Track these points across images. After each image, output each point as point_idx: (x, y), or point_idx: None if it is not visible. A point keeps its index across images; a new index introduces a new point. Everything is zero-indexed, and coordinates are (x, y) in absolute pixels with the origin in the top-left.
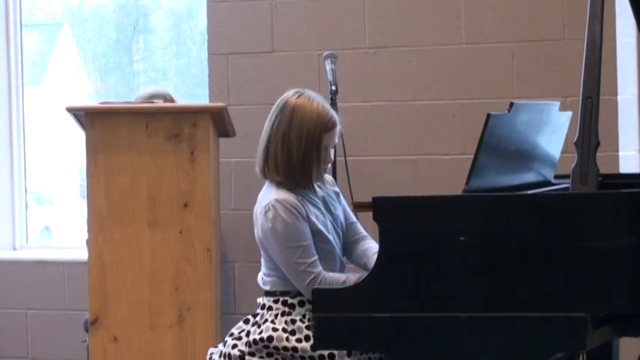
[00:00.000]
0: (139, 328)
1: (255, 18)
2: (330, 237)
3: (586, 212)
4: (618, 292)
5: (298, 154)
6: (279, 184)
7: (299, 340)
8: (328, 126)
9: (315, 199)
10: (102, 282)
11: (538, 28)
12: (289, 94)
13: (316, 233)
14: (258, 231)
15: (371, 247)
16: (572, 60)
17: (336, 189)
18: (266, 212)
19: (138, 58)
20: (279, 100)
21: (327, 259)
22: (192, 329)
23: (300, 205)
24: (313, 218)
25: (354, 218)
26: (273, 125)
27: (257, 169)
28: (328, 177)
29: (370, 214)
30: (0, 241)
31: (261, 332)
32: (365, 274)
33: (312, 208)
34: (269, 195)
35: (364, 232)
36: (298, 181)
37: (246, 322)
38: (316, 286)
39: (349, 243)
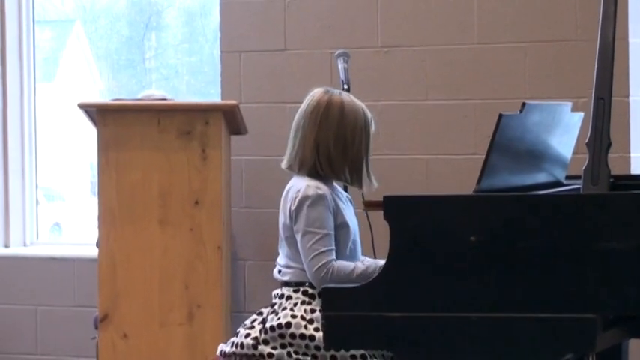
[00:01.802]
0: (148, 326)
1: (267, 16)
2: (355, 230)
3: (597, 213)
4: (628, 294)
5: (353, 150)
6: (311, 176)
7: (317, 330)
8: (372, 123)
9: (340, 194)
10: (112, 279)
11: (550, 28)
12: (322, 94)
13: (344, 227)
14: (285, 216)
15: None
16: (585, 61)
17: (349, 195)
18: (297, 197)
19: (150, 56)
20: (315, 102)
21: (353, 257)
22: (201, 327)
23: (329, 196)
24: (342, 211)
25: None
26: (321, 125)
27: (292, 165)
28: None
29: (381, 213)
30: (11, 237)
31: (279, 319)
32: (372, 261)
33: (341, 204)
34: (301, 182)
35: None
36: (350, 176)
37: (260, 314)
38: (323, 277)
39: None
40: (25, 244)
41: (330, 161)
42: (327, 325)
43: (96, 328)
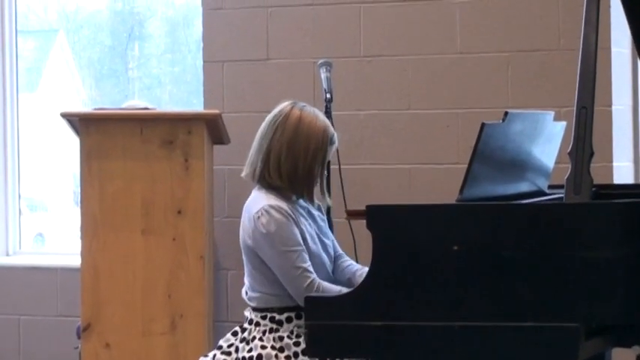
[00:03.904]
0: (131, 335)
1: (250, 26)
2: (314, 247)
3: (579, 222)
4: (611, 303)
5: (305, 165)
6: (269, 191)
7: (288, 358)
8: (332, 140)
9: (300, 209)
10: (95, 288)
11: (533, 38)
12: (287, 105)
13: (304, 241)
14: (246, 239)
15: (352, 264)
16: (567, 70)
17: (308, 205)
18: (259, 217)
19: (133, 65)
20: (278, 111)
21: (316, 271)
22: (184, 336)
23: (291, 211)
24: (302, 226)
25: (332, 236)
26: (275, 133)
27: (249, 173)
28: None
29: (364, 222)
30: None
31: (250, 350)
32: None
33: (300, 218)
34: (259, 202)
35: (340, 250)
36: (300, 190)
37: (235, 334)
38: (312, 293)
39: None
40: (7, 254)
41: (279, 171)
42: (310, 335)
43: (79, 337)
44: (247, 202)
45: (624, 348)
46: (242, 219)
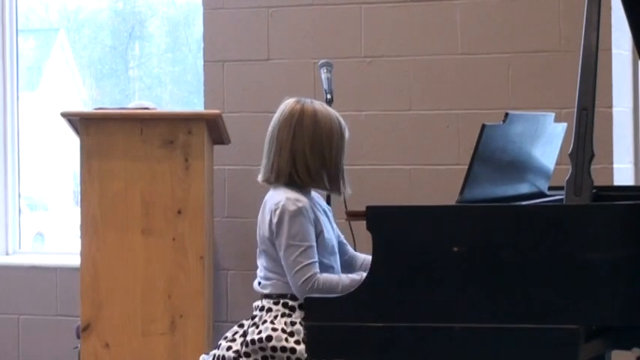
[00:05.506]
0: (130, 335)
1: (251, 26)
2: (334, 250)
3: (579, 224)
4: (611, 305)
5: (330, 157)
6: (290, 187)
7: (297, 342)
8: (346, 130)
9: (322, 209)
10: (94, 288)
11: (534, 39)
12: (294, 104)
13: (321, 236)
14: (264, 229)
15: (355, 256)
16: (568, 72)
17: (328, 206)
18: (275, 210)
19: (133, 65)
20: (287, 111)
21: (329, 266)
22: (184, 337)
23: (308, 207)
24: (321, 225)
25: (342, 237)
26: (295, 135)
27: (269, 177)
28: (316, 194)
29: (364, 223)
30: None
31: (260, 332)
32: (356, 274)
33: (320, 216)
34: (280, 194)
35: (352, 251)
36: (330, 183)
37: (241, 326)
38: (308, 290)
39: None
40: (7, 254)
41: (307, 169)
42: (310, 336)
43: (78, 337)
44: (267, 197)
45: (624, 350)
46: (260, 213)
